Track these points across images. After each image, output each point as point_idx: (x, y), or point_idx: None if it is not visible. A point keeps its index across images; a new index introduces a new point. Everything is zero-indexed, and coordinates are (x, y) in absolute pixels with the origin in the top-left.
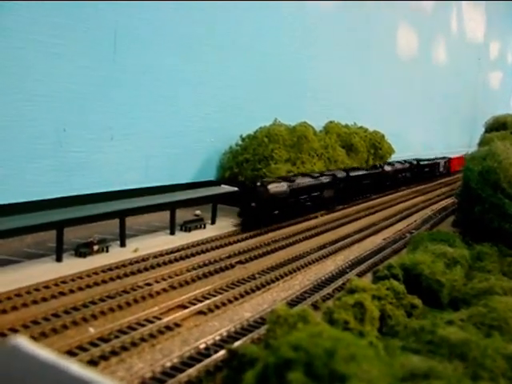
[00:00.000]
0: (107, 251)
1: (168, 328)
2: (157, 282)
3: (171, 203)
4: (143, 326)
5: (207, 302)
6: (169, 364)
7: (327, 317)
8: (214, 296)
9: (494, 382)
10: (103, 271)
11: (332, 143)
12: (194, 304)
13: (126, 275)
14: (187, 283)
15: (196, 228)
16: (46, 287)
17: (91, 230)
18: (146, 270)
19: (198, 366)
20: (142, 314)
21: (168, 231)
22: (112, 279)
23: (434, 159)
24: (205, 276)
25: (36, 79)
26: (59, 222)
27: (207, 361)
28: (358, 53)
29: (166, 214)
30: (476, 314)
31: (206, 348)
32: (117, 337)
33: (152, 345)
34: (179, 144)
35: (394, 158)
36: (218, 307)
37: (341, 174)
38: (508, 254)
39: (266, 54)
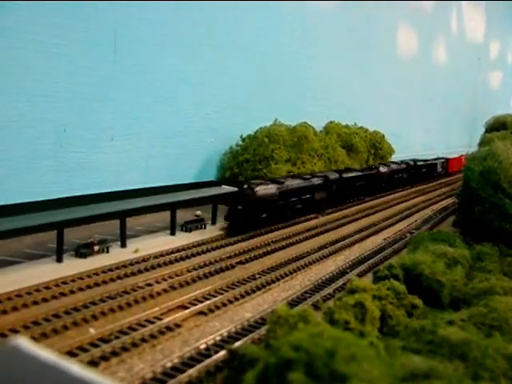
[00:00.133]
0: (108, 252)
1: (168, 328)
2: (157, 282)
3: (172, 203)
4: (144, 326)
5: (208, 302)
6: (169, 364)
7: (328, 317)
8: (215, 296)
9: (494, 382)
10: (104, 272)
11: (332, 143)
12: (195, 304)
13: (126, 276)
14: (188, 283)
15: (196, 228)
16: (47, 288)
17: (91, 231)
18: (147, 270)
19: (199, 366)
20: (143, 315)
21: (168, 232)
22: (112, 280)
23: (431, 160)
24: (205, 276)
25: (36, 79)
26: (59, 223)
27: (208, 361)
28: (358, 53)
29: (167, 215)
30: (476, 314)
31: (207, 348)
32: (117, 337)
33: (152, 345)
34: (179, 144)
35: (394, 158)
36: (218, 307)
37: (333, 176)
38: (508, 254)
39: (266, 54)
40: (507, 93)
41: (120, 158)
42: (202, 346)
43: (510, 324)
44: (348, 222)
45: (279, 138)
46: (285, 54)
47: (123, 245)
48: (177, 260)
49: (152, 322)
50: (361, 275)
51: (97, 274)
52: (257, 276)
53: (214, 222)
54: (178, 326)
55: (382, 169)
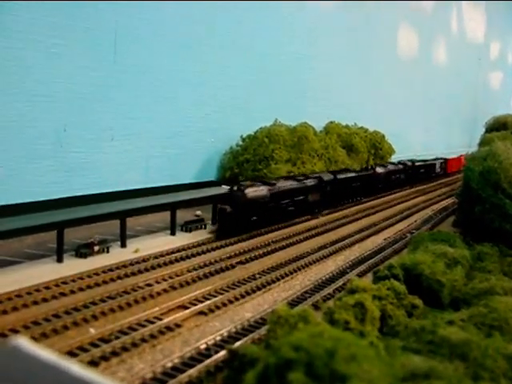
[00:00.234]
0: (108, 252)
1: (169, 328)
2: (157, 282)
3: (172, 204)
4: (144, 326)
5: (208, 302)
6: (169, 364)
7: (328, 317)
8: (215, 296)
9: (494, 383)
10: (104, 272)
11: (332, 143)
12: (195, 304)
13: (126, 276)
14: (188, 283)
15: (197, 228)
16: (47, 288)
17: (92, 231)
18: (147, 270)
19: (199, 366)
20: (143, 315)
21: (168, 232)
22: (113, 280)
23: (429, 160)
24: (205, 276)
25: (36, 79)
26: (60, 223)
27: (208, 361)
28: (358, 53)
29: (167, 215)
30: (477, 314)
31: (207, 348)
32: (117, 337)
33: (153, 345)
34: (179, 144)
35: (394, 158)
36: (218, 307)
37: (327, 177)
38: (508, 254)
39: (266, 54)
40: (507, 93)
41: (120, 158)
42: (203, 346)
43: (510, 324)
44: (348, 222)
45: (279, 138)
46: (285, 53)
47: (123, 245)
48: (177, 260)
49: (152, 322)
50: (361, 275)
51: (97, 274)
52: (257, 276)
53: (214, 222)
54: (178, 326)
55: (379, 169)
